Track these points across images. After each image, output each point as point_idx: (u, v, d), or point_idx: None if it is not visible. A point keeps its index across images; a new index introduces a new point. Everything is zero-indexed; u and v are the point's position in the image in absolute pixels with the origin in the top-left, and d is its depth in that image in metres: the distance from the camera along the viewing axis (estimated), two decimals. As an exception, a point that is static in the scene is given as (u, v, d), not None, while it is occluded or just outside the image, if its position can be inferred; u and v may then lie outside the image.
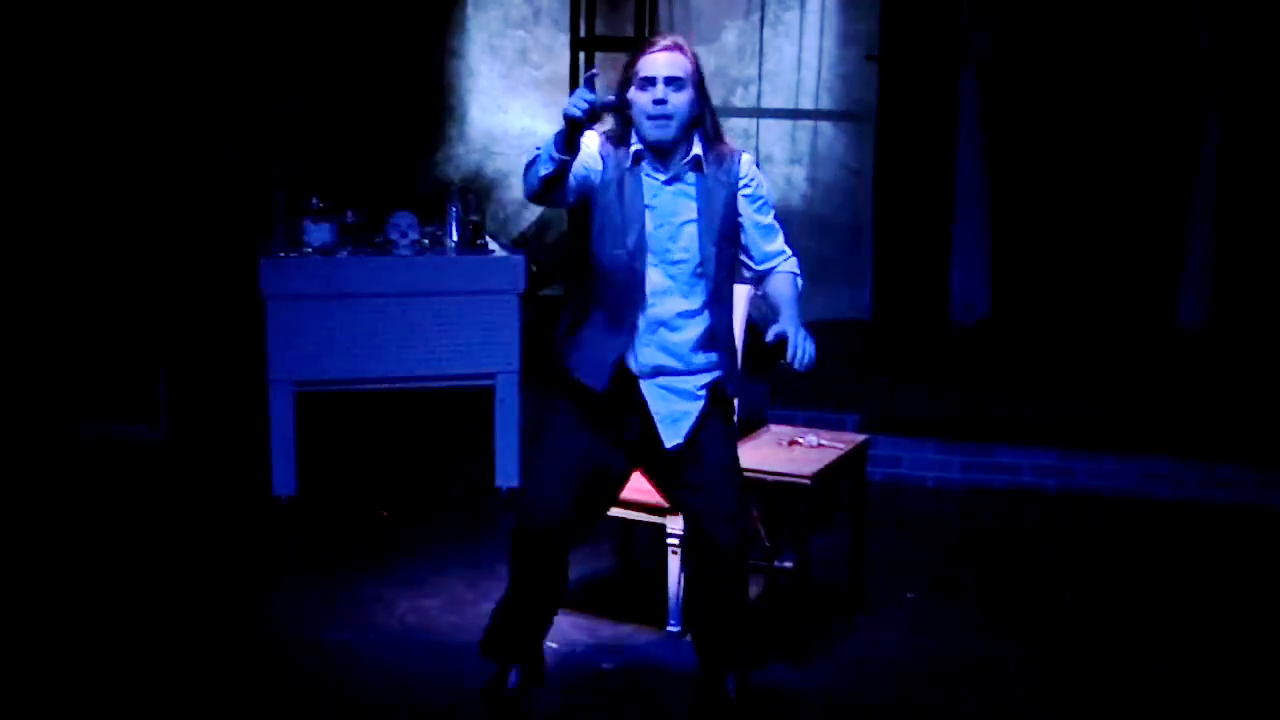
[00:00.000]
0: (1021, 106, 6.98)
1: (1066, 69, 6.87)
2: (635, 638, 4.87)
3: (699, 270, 3.87)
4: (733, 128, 7.78)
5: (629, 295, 3.86)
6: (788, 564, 4.76)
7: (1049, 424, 6.53)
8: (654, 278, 3.87)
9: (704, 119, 3.89)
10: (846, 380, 6.93)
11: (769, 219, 4.00)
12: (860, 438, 5.19)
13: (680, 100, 3.80)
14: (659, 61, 3.81)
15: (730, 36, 8.08)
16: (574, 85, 7.70)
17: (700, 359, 3.92)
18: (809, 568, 4.71)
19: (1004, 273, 7.07)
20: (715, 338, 3.93)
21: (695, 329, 3.90)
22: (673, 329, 3.88)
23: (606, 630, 4.90)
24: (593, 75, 3.67)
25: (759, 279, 4.04)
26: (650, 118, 3.80)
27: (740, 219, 3.93)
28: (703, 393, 3.93)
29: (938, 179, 6.99)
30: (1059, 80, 6.89)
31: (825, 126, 8.00)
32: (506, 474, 6.11)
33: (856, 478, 5.11)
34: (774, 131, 8.00)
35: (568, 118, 3.60)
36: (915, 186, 7.00)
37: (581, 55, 7.76)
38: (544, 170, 3.68)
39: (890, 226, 7.06)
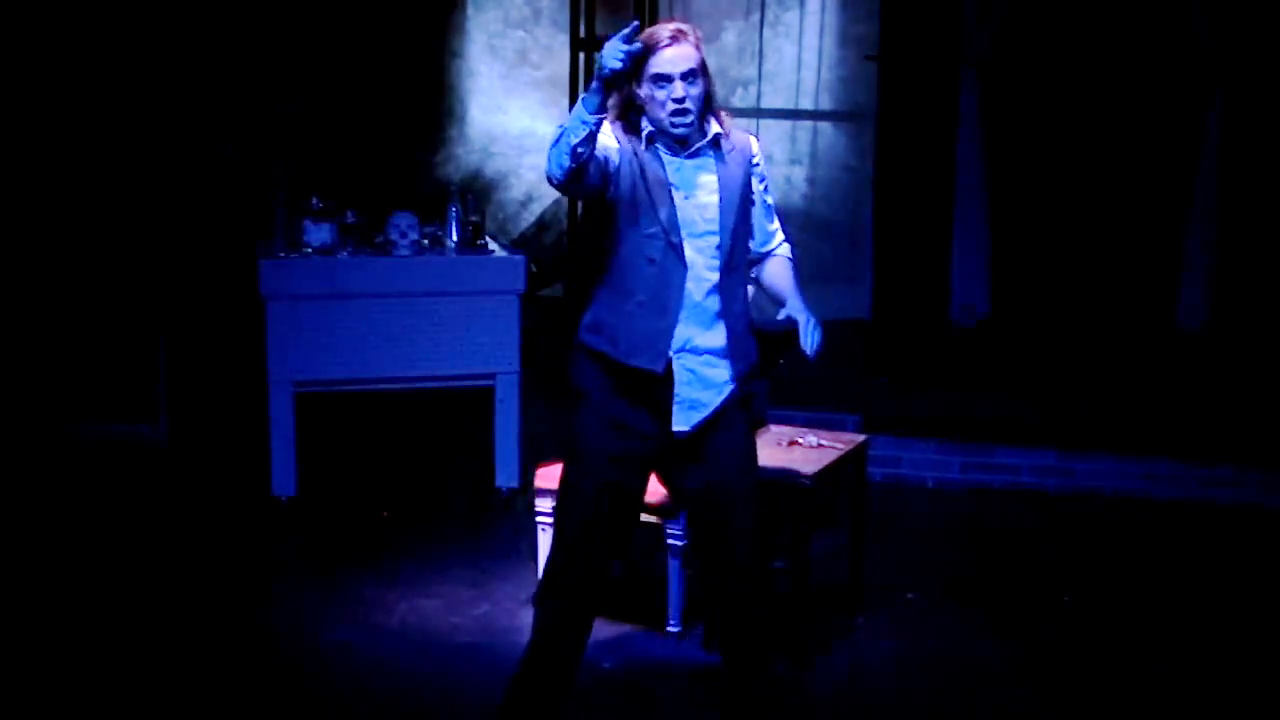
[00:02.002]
0: (1021, 106, 6.97)
1: (1066, 69, 6.86)
2: (635, 638, 4.87)
3: (720, 244, 3.87)
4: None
5: (672, 271, 3.82)
6: (780, 564, 4.74)
7: (1049, 424, 6.53)
8: (685, 252, 3.84)
9: (711, 96, 3.89)
10: (846, 380, 6.92)
11: (771, 200, 4.05)
12: (860, 438, 5.19)
13: (697, 92, 3.79)
14: (671, 57, 3.76)
15: (730, 36, 8.08)
16: (574, 86, 7.70)
17: (725, 335, 3.86)
18: (808, 568, 4.71)
19: (1004, 273, 7.07)
20: (733, 314, 3.89)
21: (718, 303, 3.88)
22: (701, 299, 3.85)
23: (606, 630, 4.88)
24: (635, 26, 3.60)
25: (754, 261, 4.03)
26: (672, 115, 3.79)
27: (751, 196, 3.94)
28: (727, 387, 3.89)
29: (937, 179, 6.98)
30: (1059, 80, 6.88)
31: (825, 126, 8.00)
32: (506, 474, 6.11)
33: (856, 478, 5.10)
34: (774, 132, 8.00)
35: (606, 72, 3.56)
36: (915, 186, 6.99)
37: (581, 55, 7.76)
38: (575, 138, 3.61)
39: (890, 226, 7.05)
